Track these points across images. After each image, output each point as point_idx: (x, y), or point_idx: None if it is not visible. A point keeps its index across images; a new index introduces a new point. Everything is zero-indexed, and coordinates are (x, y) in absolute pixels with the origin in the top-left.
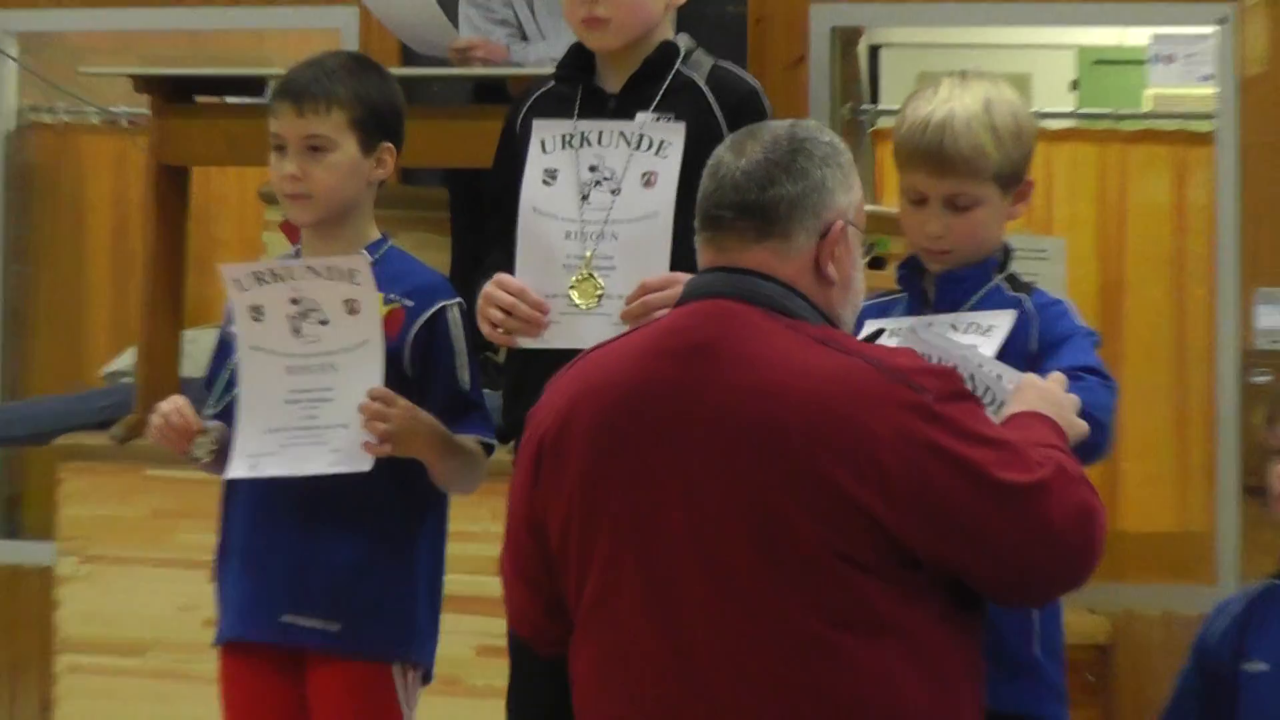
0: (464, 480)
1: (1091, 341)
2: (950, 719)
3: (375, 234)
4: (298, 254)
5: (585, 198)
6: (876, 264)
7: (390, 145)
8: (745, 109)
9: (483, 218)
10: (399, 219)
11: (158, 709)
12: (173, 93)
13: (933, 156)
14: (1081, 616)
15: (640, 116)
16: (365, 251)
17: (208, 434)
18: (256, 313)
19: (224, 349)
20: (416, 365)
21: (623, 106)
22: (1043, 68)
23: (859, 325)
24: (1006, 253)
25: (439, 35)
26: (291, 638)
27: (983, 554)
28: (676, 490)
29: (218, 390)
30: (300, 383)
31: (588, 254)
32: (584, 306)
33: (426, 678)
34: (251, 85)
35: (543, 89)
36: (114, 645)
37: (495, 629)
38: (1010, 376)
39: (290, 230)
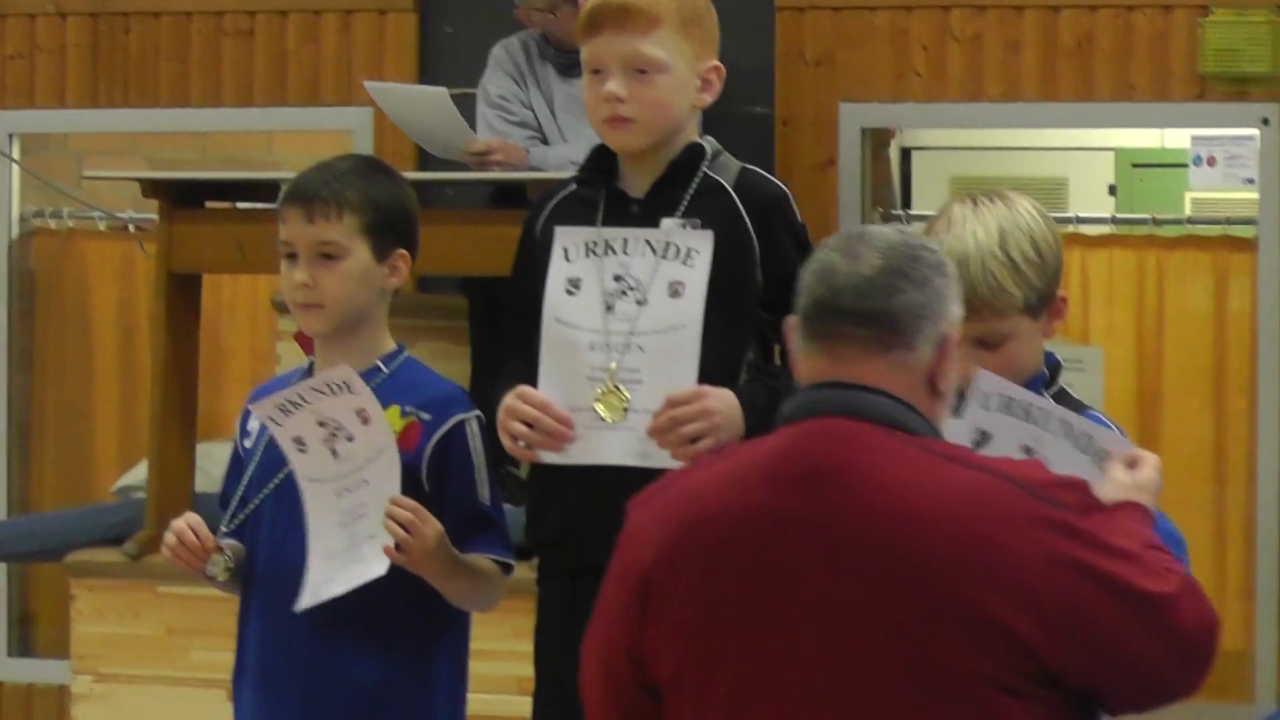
0: (475, 601)
1: None
2: None
3: (390, 344)
4: (311, 365)
5: (610, 308)
6: None
7: (404, 252)
8: (774, 214)
9: (502, 327)
10: (415, 328)
11: None
12: (182, 197)
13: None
14: None
15: (666, 223)
16: (379, 362)
17: (223, 552)
18: (300, 444)
19: (238, 464)
20: (433, 480)
21: (647, 211)
22: (1080, 171)
23: None
24: (1053, 367)
25: (455, 137)
26: None
27: (1122, 667)
28: (807, 626)
29: (232, 507)
30: (346, 504)
31: (612, 366)
32: (610, 420)
33: None
34: (263, 189)
35: (564, 192)
36: None
37: None
38: (1103, 437)
39: (305, 341)
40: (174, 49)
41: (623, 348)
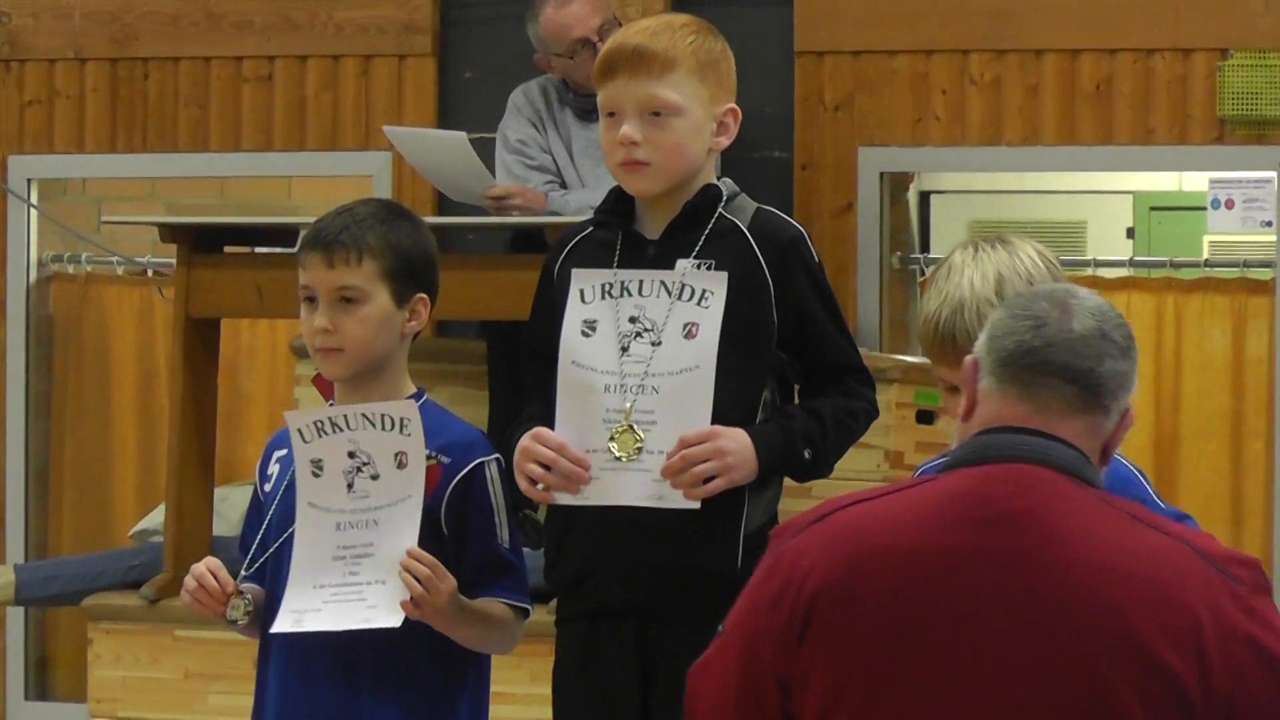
0: (487, 647)
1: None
2: None
3: (410, 388)
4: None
5: (625, 349)
6: (925, 418)
7: (424, 296)
8: (789, 255)
9: (520, 371)
10: (434, 373)
11: None
12: (200, 242)
13: (948, 351)
14: None
15: (681, 264)
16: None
17: (243, 596)
18: (316, 467)
19: (258, 508)
20: (452, 524)
21: (662, 253)
22: (1098, 214)
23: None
24: None
25: (475, 182)
26: None
27: None
28: (991, 671)
29: (252, 551)
30: (347, 539)
31: (627, 406)
32: (623, 459)
33: None
34: (282, 234)
35: (581, 234)
36: None
37: None
38: None
39: (324, 385)
40: (193, 94)
41: (637, 389)
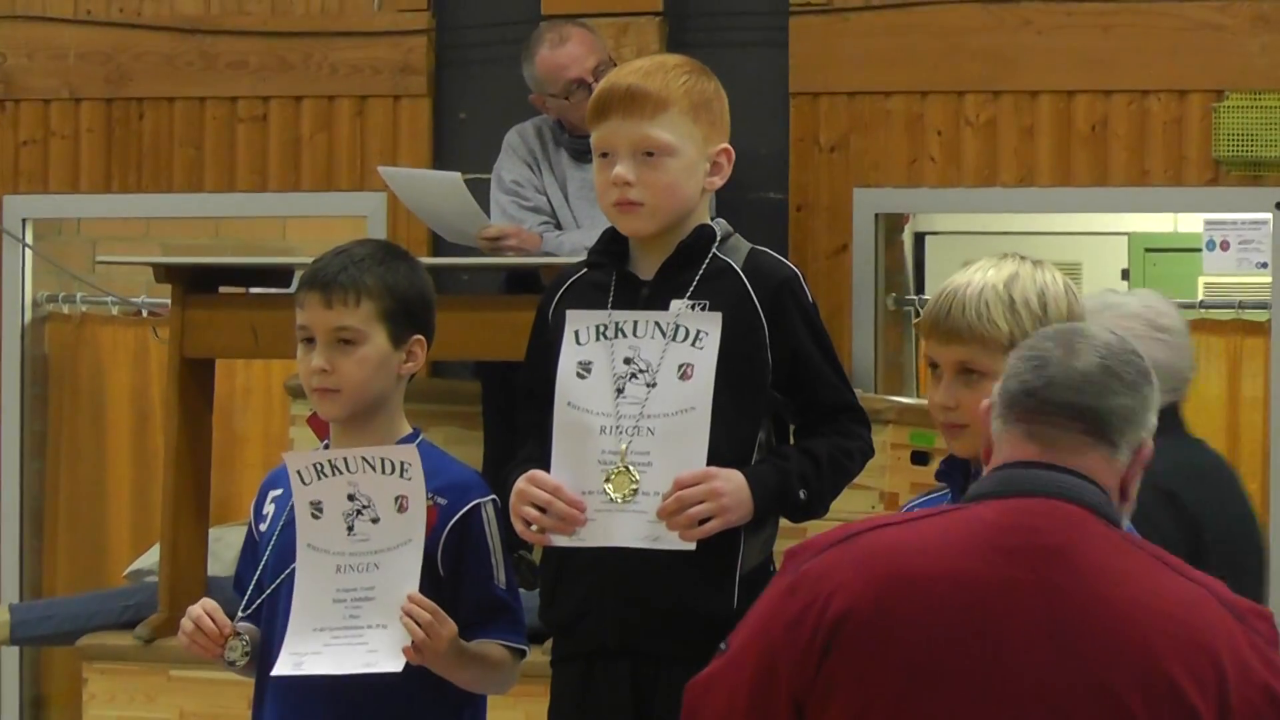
0: (484, 688)
1: None
2: None
3: (406, 428)
4: (326, 450)
5: (620, 391)
6: (920, 459)
7: (421, 337)
8: (783, 294)
9: (515, 410)
10: (429, 413)
11: None
12: (195, 282)
13: (940, 323)
14: None
15: (675, 305)
16: None
17: (241, 637)
18: (316, 509)
19: (253, 548)
20: (449, 565)
21: (656, 293)
22: (1093, 256)
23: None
24: None
25: (470, 223)
26: None
27: None
28: (1022, 700)
29: (249, 592)
30: (347, 581)
31: (623, 448)
32: (619, 500)
33: None
34: (277, 275)
35: (575, 276)
36: None
37: None
38: None
39: (319, 425)
40: (188, 134)
41: (633, 430)
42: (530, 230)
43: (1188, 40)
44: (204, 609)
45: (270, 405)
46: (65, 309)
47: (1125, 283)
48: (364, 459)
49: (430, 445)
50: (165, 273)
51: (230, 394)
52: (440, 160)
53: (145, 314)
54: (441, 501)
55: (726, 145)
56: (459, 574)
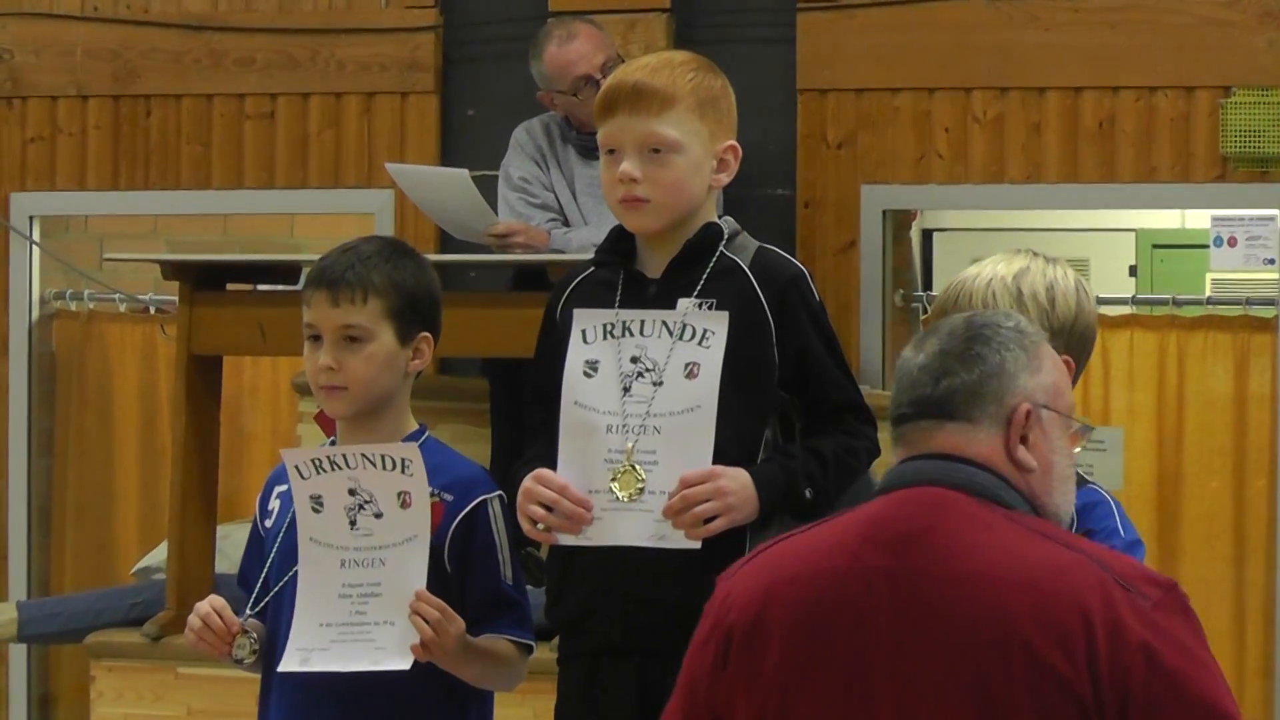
0: (492, 683)
1: (1136, 555)
2: None
3: (412, 425)
4: (333, 445)
5: (627, 389)
6: None
7: (428, 335)
8: (790, 293)
9: (523, 408)
10: (436, 410)
11: None
12: (203, 280)
13: (949, 313)
14: None
15: (682, 304)
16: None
17: (249, 635)
18: (316, 503)
19: (258, 544)
20: (456, 561)
21: (663, 292)
22: (1101, 252)
23: None
24: None
25: (477, 220)
26: None
27: None
28: (887, 684)
29: (256, 591)
30: (352, 577)
31: (629, 446)
32: (625, 499)
33: None
34: (284, 272)
35: (583, 274)
36: None
37: None
38: None
39: (326, 422)
40: (195, 132)
41: (639, 429)
42: (538, 227)
43: (1195, 37)
44: (211, 606)
45: (278, 402)
46: (73, 306)
47: (1133, 279)
48: (364, 456)
49: (436, 442)
50: (173, 270)
51: (238, 391)
52: (448, 157)
53: (153, 311)
54: (448, 498)
55: (734, 142)
56: (465, 570)
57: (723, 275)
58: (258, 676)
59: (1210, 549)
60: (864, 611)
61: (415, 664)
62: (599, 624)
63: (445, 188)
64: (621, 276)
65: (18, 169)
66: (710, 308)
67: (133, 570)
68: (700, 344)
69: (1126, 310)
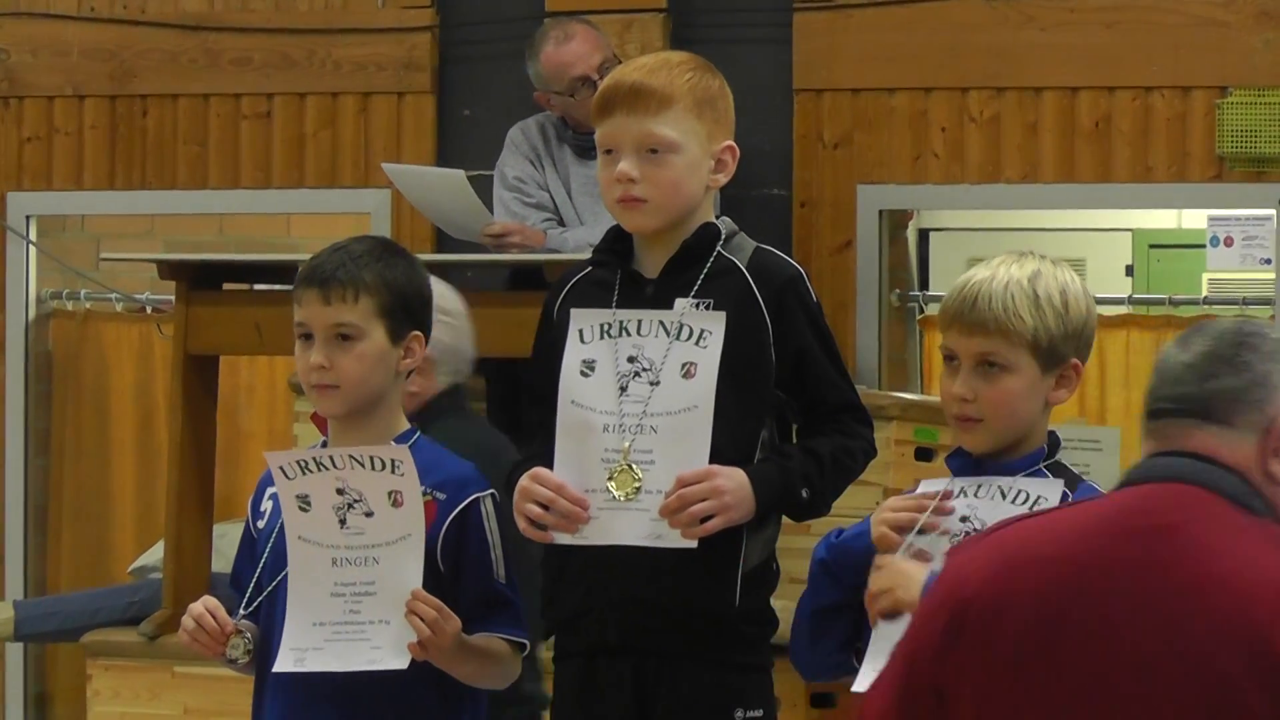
0: (486, 681)
1: None
2: None
3: (404, 424)
4: (324, 446)
5: (624, 389)
6: (924, 455)
7: (419, 334)
8: (788, 294)
9: (520, 408)
10: None
11: None
12: (199, 279)
13: (965, 314)
14: None
15: (679, 304)
16: (393, 443)
17: (243, 635)
18: (303, 502)
19: (251, 544)
20: (449, 560)
21: (661, 292)
22: (1097, 252)
23: None
24: (1054, 444)
25: (473, 219)
26: None
27: None
28: (1124, 676)
29: (249, 592)
30: (345, 575)
31: (626, 446)
32: (622, 498)
33: None
34: (281, 271)
35: (580, 274)
36: None
37: None
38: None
39: (321, 421)
40: (192, 131)
41: (636, 429)
42: (534, 227)
43: (1191, 37)
44: (205, 607)
45: (274, 402)
46: (69, 306)
47: (1130, 279)
48: (352, 457)
49: (428, 441)
50: (169, 269)
51: (234, 390)
52: (444, 157)
53: (149, 310)
54: (440, 496)
55: (731, 143)
56: (459, 569)
57: (720, 275)
58: (253, 677)
59: None
60: (1109, 599)
61: (411, 663)
62: (594, 623)
63: (441, 188)
64: (619, 276)
65: (14, 168)
66: (707, 308)
67: (129, 569)
68: (697, 344)
69: (1123, 310)
